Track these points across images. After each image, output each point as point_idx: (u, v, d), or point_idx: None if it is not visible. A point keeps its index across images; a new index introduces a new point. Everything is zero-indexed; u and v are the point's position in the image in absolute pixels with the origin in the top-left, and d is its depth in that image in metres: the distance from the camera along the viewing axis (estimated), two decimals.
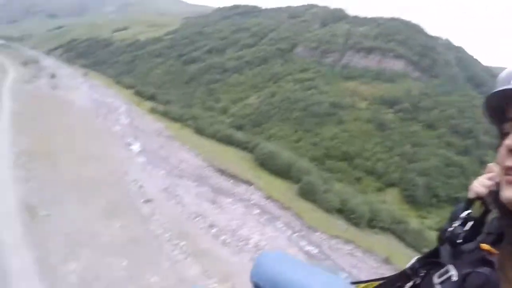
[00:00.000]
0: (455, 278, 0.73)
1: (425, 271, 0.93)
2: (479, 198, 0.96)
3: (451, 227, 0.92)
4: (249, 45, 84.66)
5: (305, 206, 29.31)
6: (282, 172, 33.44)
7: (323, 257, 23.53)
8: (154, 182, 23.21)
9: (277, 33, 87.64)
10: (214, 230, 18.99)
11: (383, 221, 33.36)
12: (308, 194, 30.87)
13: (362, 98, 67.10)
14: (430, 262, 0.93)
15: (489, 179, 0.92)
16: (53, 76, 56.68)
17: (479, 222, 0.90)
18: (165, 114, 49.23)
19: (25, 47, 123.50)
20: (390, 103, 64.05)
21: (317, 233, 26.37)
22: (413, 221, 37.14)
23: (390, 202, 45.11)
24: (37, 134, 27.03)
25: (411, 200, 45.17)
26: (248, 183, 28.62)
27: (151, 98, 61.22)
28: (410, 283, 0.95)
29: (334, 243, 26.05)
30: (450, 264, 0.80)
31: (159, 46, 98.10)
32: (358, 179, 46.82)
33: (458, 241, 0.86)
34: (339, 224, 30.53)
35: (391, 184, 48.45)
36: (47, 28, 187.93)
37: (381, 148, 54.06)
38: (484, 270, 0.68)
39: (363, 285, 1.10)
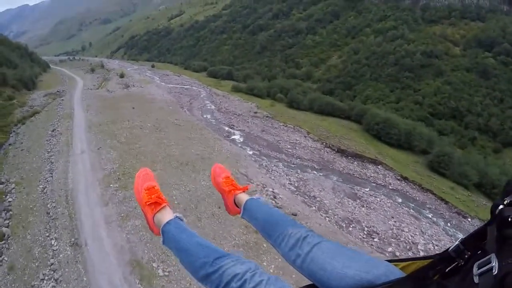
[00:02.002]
0: (495, 271, 0.59)
1: (469, 253, 0.76)
2: None
3: (502, 203, 0.71)
4: (314, 1, 72.75)
5: (442, 184, 22.52)
6: (402, 142, 26.32)
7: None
8: (281, 182, 17.89)
9: None
10: (376, 240, 13.66)
11: None
12: (440, 167, 23.80)
13: (454, 43, 54.27)
14: (475, 246, 0.75)
15: None
16: (122, 75, 51.59)
17: None
18: (249, 91, 42.00)
19: (88, 56, 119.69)
20: (486, 45, 50.25)
21: (468, 219, 20.17)
22: None
23: (510, 166, 35.54)
24: (123, 146, 20.37)
25: None
26: (374, 162, 22.29)
27: (227, 76, 53.76)
28: (453, 265, 0.79)
29: None
30: (494, 252, 0.63)
31: (220, 22, 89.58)
32: (472, 140, 36.93)
33: (505, 224, 0.67)
34: (484, 203, 23.47)
35: (509, 144, 37.87)
36: (104, 34, 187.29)
37: (490, 100, 42.27)
38: None
39: (403, 264, 0.95)
